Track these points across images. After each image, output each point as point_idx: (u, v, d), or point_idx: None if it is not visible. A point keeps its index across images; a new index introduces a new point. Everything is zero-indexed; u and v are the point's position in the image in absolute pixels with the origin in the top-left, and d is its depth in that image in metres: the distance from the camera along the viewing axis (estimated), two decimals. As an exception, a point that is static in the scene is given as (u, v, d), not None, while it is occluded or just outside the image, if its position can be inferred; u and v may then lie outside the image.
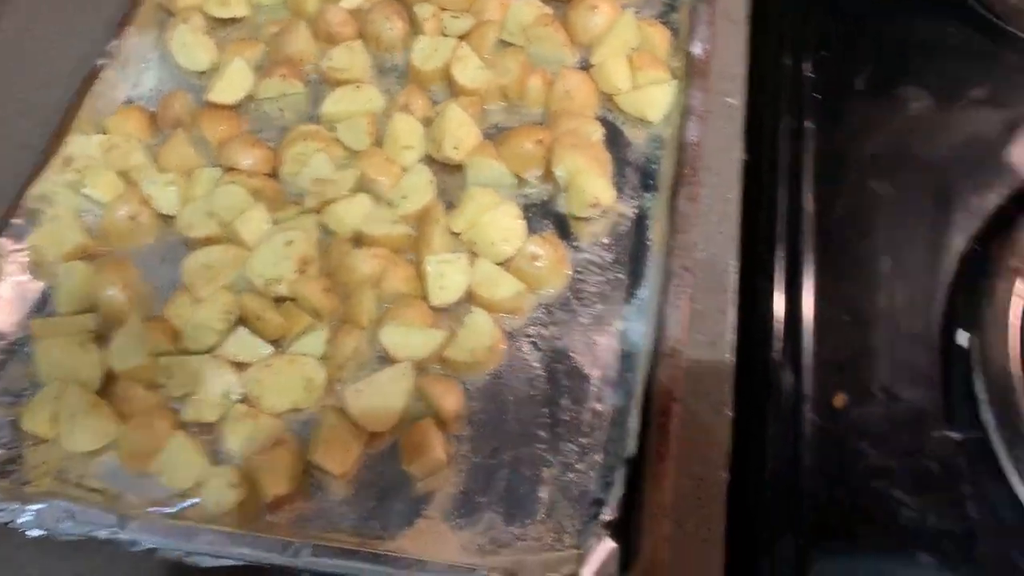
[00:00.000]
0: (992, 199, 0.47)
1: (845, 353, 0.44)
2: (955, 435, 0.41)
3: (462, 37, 0.55)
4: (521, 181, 0.50)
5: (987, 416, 0.41)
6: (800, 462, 0.41)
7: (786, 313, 0.45)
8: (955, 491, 0.40)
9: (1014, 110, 0.50)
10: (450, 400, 0.43)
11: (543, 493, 0.41)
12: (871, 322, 0.45)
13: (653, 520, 0.39)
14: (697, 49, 0.52)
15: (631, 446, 0.40)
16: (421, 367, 0.44)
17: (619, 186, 0.50)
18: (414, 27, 0.56)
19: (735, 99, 0.51)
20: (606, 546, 0.37)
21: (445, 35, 0.55)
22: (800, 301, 0.45)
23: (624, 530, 0.38)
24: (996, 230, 0.46)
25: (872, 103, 0.51)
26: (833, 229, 0.47)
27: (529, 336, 0.46)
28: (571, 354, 0.45)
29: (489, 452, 0.42)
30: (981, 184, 0.47)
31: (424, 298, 0.46)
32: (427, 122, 0.52)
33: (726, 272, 0.46)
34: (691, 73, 0.51)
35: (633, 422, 0.41)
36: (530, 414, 0.43)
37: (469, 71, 0.53)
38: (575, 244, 0.48)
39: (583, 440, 0.42)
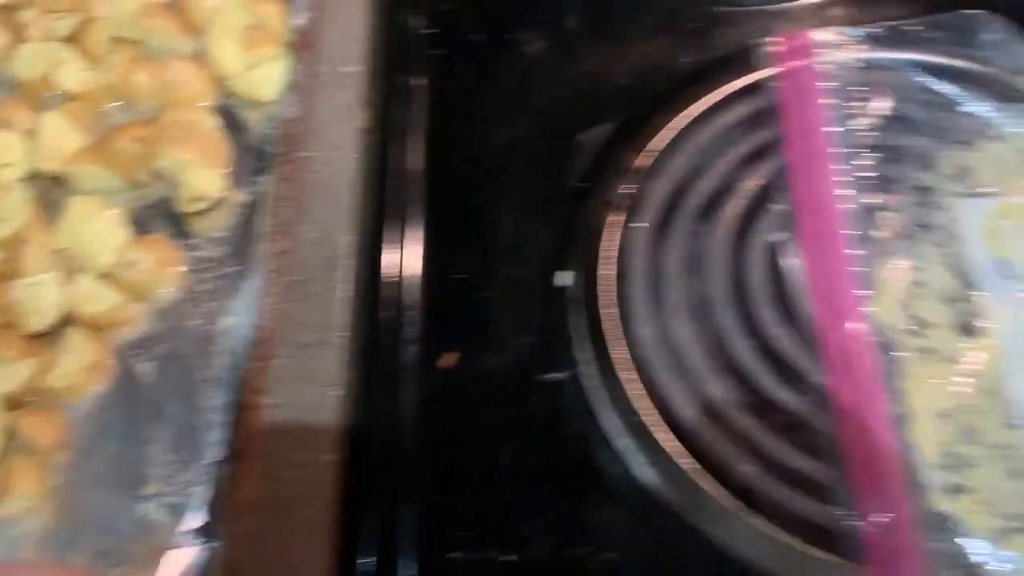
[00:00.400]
0: (599, 135, 0.47)
1: (459, 311, 0.44)
2: (554, 377, 0.41)
3: (70, 39, 0.52)
4: (135, 183, 0.48)
5: (581, 353, 0.41)
6: (408, 430, 0.40)
7: (398, 280, 0.44)
8: (558, 435, 0.40)
9: (623, 44, 0.50)
10: (46, 431, 0.41)
11: (144, 512, 0.39)
12: (486, 276, 0.44)
13: (242, 520, 0.38)
14: (300, 19, 0.50)
15: (220, 449, 0.39)
16: (16, 401, 0.42)
17: (236, 174, 0.48)
18: (19, 36, 0.53)
19: (353, 67, 0.50)
20: (183, 556, 0.36)
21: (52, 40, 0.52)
22: (410, 265, 0.44)
23: (212, 536, 0.37)
24: (600, 166, 0.46)
25: (488, 54, 0.50)
26: (448, 188, 0.46)
27: (139, 347, 0.44)
28: (182, 359, 0.43)
29: (90, 479, 0.40)
30: (591, 122, 0.47)
31: (18, 326, 0.43)
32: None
33: (338, 248, 0.45)
34: (297, 45, 0.49)
35: (225, 423, 0.40)
36: (136, 431, 0.41)
37: (73, 74, 0.50)
38: (191, 241, 0.46)
39: (187, 450, 0.41)
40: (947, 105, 0.44)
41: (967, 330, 0.39)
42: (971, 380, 0.38)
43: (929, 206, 0.42)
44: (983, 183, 0.42)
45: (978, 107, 0.44)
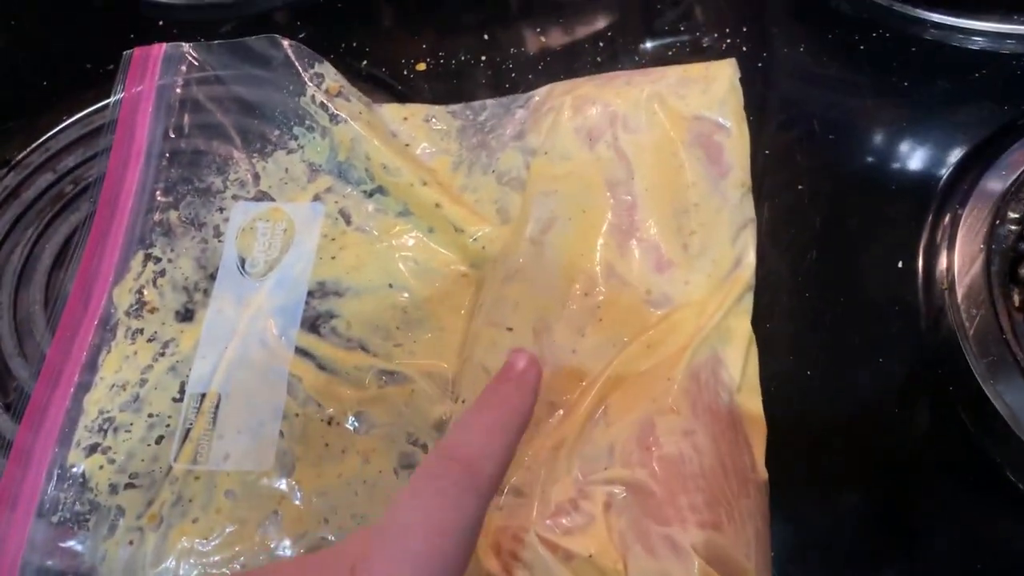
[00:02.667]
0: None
1: None
2: None
3: None
4: None
5: None
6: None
7: None
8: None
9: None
10: None
11: None
12: None
13: None
14: None
15: None
16: None
17: None
18: None
19: None
20: None
21: None
22: None
23: None
24: None
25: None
26: None
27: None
28: None
29: None
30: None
31: None
32: None
33: None
34: None
35: None
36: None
37: None
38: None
39: None
40: (251, 117, 0.49)
41: (186, 316, 0.45)
42: (171, 358, 0.43)
43: (210, 205, 0.47)
44: (268, 188, 0.48)
45: (283, 121, 0.49)
